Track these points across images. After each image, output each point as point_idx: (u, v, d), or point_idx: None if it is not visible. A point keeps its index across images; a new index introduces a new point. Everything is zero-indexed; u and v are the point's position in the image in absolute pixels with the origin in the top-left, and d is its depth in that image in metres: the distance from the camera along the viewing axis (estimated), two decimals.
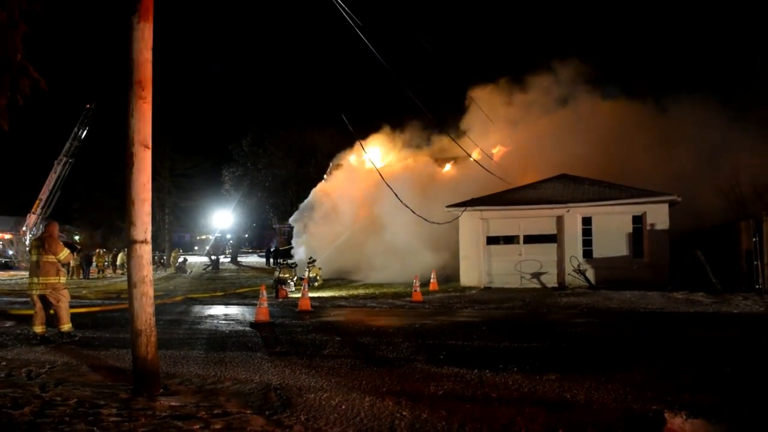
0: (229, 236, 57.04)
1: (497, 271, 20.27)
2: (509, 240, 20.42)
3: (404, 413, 5.08)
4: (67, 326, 9.41)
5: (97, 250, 36.98)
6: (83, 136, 45.21)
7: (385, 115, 34.71)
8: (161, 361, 6.50)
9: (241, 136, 48.99)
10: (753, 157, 20.40)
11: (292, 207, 36.91)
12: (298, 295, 15.58)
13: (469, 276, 20.49)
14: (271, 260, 44.82)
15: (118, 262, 36.50)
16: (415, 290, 16.02)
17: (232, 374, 6.74)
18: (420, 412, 5.09)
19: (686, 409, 4.88)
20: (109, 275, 35.09)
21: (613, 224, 19.15)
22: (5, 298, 18.31)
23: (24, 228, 45.68)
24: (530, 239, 20.12)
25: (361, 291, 19.99)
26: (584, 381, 6.09)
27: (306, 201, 35.07)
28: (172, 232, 53.70)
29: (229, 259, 49.96)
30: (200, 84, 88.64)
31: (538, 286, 19.41)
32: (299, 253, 31.61)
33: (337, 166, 35.81)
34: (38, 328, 9.39)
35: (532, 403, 5.36)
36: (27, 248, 41.07)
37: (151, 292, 5.92)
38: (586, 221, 19.51)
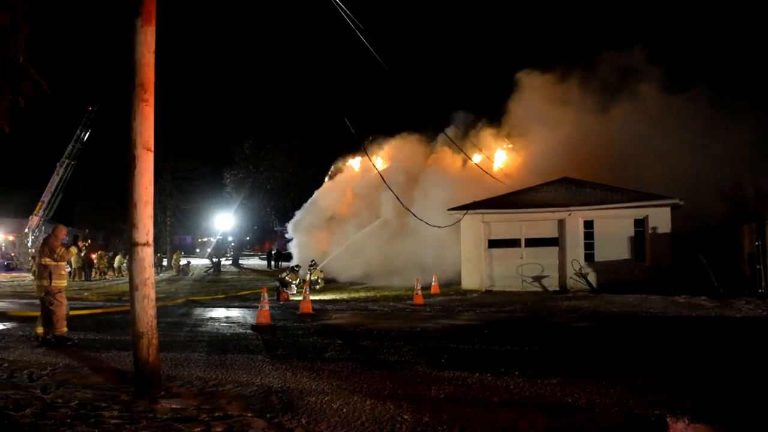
0: (230, 239, 57.05)
1: (499, 274, 20.25)
2: (511, 243, 20.40)
3: (405, 417, 5.07)
4: (59, 330, 9.31)
5: (99, 252, 36.99)
6: (86, 138, 45.27)
7: (387, 118, 34.77)
8: (162, 364, 6.50)
9: (243, 138, 49.02)
10: (756, 160, 20.38)
11: (294, 210, 36.90)
12: (300, 298, 15.59)
13: (471, 279, 20.47)
14: (273, 263, 44.87)
15: (116, 265, 36.54)
16: (417, 293, 16.01)
17: (234, 377, 6.74)
18: (421, 415, 5.09)
19: (688, 414, 4.87)
20: (109, 277, 35.12)
21: (614, 228, 19.13)
22: (7, 300, 18.33)
23: (26, 230, 45.72)
24: (532, 242, 20.09)
25: (362, 294, 19.99)
26: (586, 385, 6.07)
27: (308, 202, 35.07)
28: (173, 234, 53.77)
29: (230, 262, 50.00)
30: (202, 87, 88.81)
31: (540, 289, 19.39)
32: (299, 255, 31.60)
33: (339, 168, 35.85)
34: (39, 329, 9.41)
35: (534, 407, 5.35)
36: (30, 250, 41.20)
37: (152, 295, 5.92)
38: (588, 225, 19.49)
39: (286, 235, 39.43)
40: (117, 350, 8.49)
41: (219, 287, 25.60)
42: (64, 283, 9.78)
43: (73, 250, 9.90)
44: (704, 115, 23.36)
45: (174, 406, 5.40)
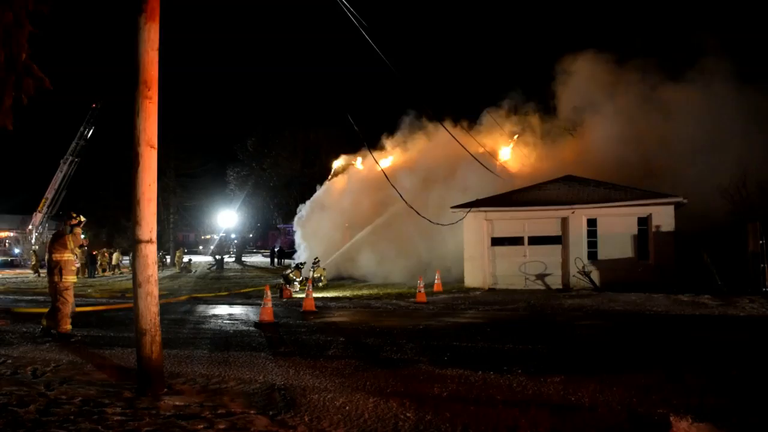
0: (233, 236, 57.15)
1: (502, 272, 20.23)
2: (514, 241, 20.38)
3: (408, 415, 5.07)
4: (63, 328, 9.36)
5: (102, 250, 37.08)
6: (89, 135, 45.41)
7: (391, 116, 34.72)
8: (165, 361, 6.52)
9: (246, 136, 49.06)
10: (760, 158, 20.30)
11: (297, 207, 36.85)
12: (303, 295, 15.60)
13: (474, 277, 20.46)
14: (276, 260, 44.91)
15: (114, 262, 36.64)
16: (420, 291, 16.00)
17: (237, 374, 6.75)
18: (424, 413, 5.09)
19: (692, 413, 4.86)
20: (108, 275, 35.21)
21: (618, 226, 19.10)
22: (11, 297, 18.39)
23: (30, 227, 45.88)
24: (535, 240, 20.07)
25: (365, 291, 19.99)
26: (589, 383, 6.07)
27: (312, 198, 35.01)
28: (176, 231, 53.80)
29: (233, 259, 50.06)
30: (206, 84, 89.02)
31: (543, 287, 19.36)
32: (302, 254, 31.60)
33: (343, 167, 35.81)
34: (44, 321, 9.59)
35: (537, 406, 5.34)
36: (33, 247, 41.35)
37: (156, 292, 5.92)
38: (591, 223, 19.46)
39: (292, 231, 39.46)
40: (120, 347, 8.51)
41: (222, 284, 25.64)
42: (74, 278, 9.87)
43: (78, 230, 9.98)
44: (708, 111, 23.25)
45: (177, 403, 5.41)
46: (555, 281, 19.49)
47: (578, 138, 27.33)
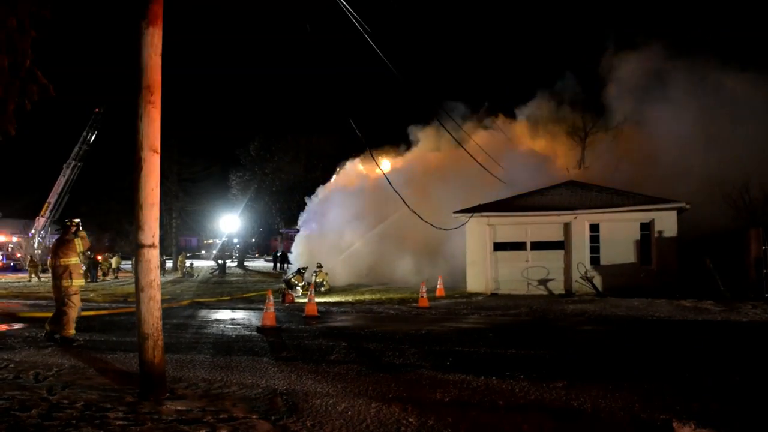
0: (235, 240, 57.19)
1: (504, 277, 20.22)
2: (516, 246, 20.36)
3: (410, 420, 5.06)
4: (67, 332, 9.35)
5: (105, 254, 37.20)
6: (92, 139, 45.63)
7: (393, 119, 34.78)
8: (168, 365, 6.52)
9: (249, 140, 49.16)
10: (763, 164, 20.28)
11: (299, 212, 36.88)
12: (305, 300, 15.59)
13: (476, 282, 20.43)
14: (278, 264, 44.90)
15: (114, 266, 36.71)
16: (422, 296, 15.98)
17: (239, 379, 6.74)
18: (426, 418, 5.08)
19: (695, 419, 4.84)
20: (109, 279, 35.27)
21: (620, 231, 19.08)
22: (14, 301, 18.42)
23: (33, 231, 46.01)
24: (537, 246, 20.05)
25: (367, 296, 19.97)
26: (591, 389, 6.05)
27: (314, 202, 35.01)
28: (179, 236, 53.90)
29: (235, 264, 50.07)
30: (209, 89, 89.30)
31: (545, 292, 19.34)
32: (304, 259, 31.60)
33: (346, 171, 35.84)
34: (47, 326, 9.57)
35: (539, 411, 5.33)
36: (36, 251, 41.44)
37: (158, 296, 5.92)
38: (594, 228, 19.45)
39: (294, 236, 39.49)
40: (122, 351, 8.51)
41: (224, 289, 25.64)
42: (82, 282, 9.89)
43: (85, 234, 10.01)
44: (711, 117, 23.26)
45: (179, 408, 5.41)
46: (557, 286, 19.47)
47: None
